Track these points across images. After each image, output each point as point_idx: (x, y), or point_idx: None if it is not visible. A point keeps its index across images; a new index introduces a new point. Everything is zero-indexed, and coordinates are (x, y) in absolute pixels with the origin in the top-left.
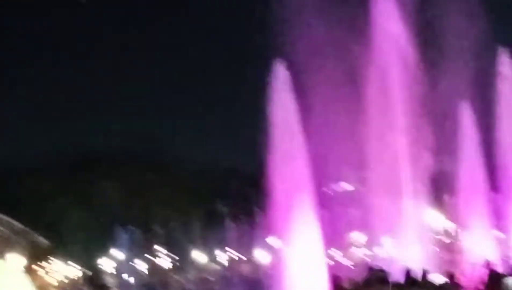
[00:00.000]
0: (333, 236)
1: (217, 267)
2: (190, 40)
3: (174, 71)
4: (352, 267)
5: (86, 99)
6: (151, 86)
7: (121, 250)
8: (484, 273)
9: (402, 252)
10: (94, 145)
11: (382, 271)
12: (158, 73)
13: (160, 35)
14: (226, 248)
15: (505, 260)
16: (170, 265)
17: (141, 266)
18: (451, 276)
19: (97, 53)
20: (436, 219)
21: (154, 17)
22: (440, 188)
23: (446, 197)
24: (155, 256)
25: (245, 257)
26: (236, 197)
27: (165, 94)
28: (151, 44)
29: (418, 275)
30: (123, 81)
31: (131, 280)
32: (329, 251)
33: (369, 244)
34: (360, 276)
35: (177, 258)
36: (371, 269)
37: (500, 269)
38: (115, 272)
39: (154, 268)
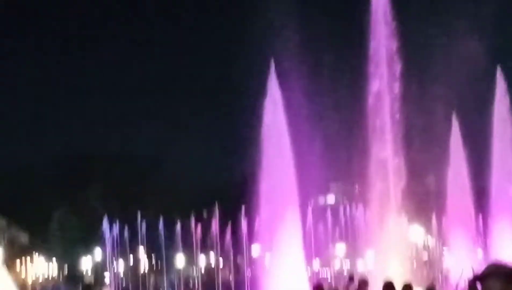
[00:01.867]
0: (317, 247)
1: (198, 271)
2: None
3: (182, 86)
4: (333, 278)
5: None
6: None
7: (103, 249)
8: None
9: (383, 266)
10: (92, 146)
11: (364, 280)
12: (169, 84)
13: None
14: (211, 253)
15: None
16: (150, 267)
17: (121, 265)
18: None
19: (100, 55)
20: (420, 236)
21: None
22: (427, 206)
23: (432, 215)
24: (136, 256)
25: (227, 263)
26: (223, 204)
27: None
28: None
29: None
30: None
31: (108, 279)
32: (312, 261)
33: (351, 256)
34: (340, 285)
35: (157, 259)
36: (351, 279)
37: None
38: (95, 271)
39: (134, 269)
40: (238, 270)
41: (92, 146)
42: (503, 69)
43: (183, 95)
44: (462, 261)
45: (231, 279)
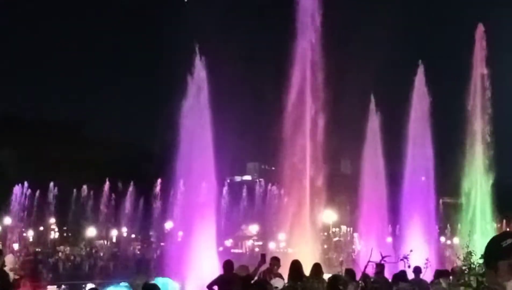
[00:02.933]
0: (230, 226)
1: (108, 242)
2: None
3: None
4: (245, 257)
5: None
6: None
7: (11, 215)
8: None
9: (295, 248)
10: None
11: (276, 258)
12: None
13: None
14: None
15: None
16: (61, 236)
17: (29, 233)
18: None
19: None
20: (333, 220)
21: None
22: (340, 190)
23: (344, 200)
24: (45, 225)
25: (140, 237)
26: (139, 177)
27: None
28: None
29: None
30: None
31: (16, 246)
32: (224, 240)
33: (263, 237)
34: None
35: (68, 229)
36: (263, 257)
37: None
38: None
39: (43, 237)
40: (150, 244)
41: (10, 108)
42: (424, 64)
43: (106, 65)
44: (372, 246)
45: (140, 252)
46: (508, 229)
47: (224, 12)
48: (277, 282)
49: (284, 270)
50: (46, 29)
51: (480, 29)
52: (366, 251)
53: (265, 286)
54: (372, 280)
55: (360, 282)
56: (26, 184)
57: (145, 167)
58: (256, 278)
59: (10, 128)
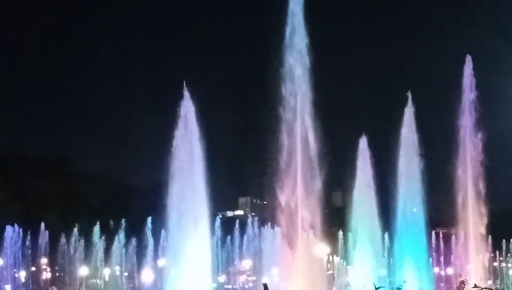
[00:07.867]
0: (222, 261)
1: (100, 281)
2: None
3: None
4: None
5: None
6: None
7: (2, 256)
8: None
9: (289, 282)
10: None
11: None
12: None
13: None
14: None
15: None
16: (53, 276)
17: (21, 274)
18: None
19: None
20: (325, 253)
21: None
22: (334, 223)
23: (337, 232)
24: (37, 265)
25: (130, 274)
26: (129, 214)
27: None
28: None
29: None
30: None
31: (8, 288)
32: (218, 275)
33: (256, 272)
34: None
35: (60, 269)
36: (265, 287)
37: None
38: None
39: (35, 278)
40: (143, 281)
41: None
42: (412, 97)
43: (90, 98)
44: (365, 277)
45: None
46: (501, 258)
47: (211, 49)
48: None
49: None
50: (25, 65)
51: (469, 59)
52: (359, 283)
53: None
54: None
55: None
56: (16, 225)
57: (134, 203)
58: None
59: None
